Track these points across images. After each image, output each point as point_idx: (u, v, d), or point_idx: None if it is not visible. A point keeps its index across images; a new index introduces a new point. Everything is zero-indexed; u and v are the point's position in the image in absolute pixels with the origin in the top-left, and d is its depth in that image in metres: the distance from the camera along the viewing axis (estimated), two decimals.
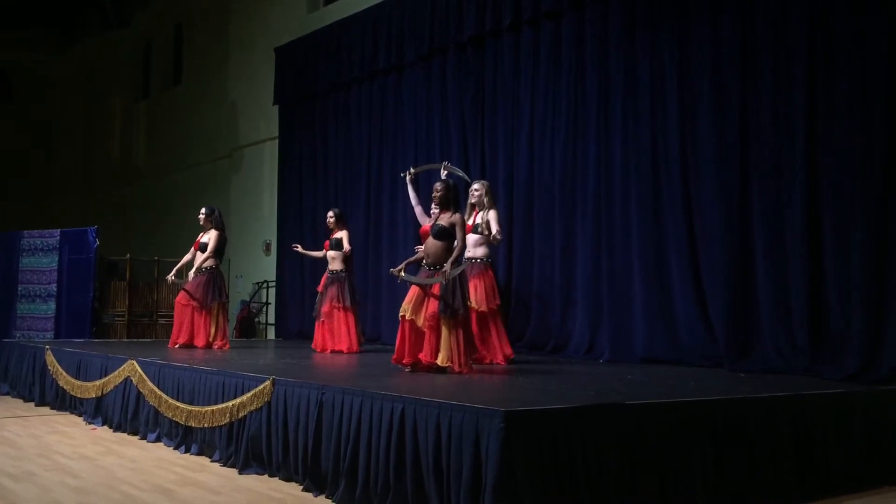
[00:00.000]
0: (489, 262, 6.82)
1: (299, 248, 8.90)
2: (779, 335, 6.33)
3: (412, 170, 7.55)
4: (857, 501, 4.45)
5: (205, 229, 8.51)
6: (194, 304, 8.28)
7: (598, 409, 3.83)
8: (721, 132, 6.82)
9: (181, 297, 8.42)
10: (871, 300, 5.73)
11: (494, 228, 6.74)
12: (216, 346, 8.26)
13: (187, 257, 8.66)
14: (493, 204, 6.91)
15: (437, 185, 5.99)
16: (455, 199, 5.94)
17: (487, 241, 6.80)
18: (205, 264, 8.35)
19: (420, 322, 5.65)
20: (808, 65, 6.26)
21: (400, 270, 5.87)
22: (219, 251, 8.45)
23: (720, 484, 4.11)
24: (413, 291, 5.77)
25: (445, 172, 7.24)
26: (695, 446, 4.04)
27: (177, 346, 8.28)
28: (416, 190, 7.48)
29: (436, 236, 5.79)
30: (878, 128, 5.81)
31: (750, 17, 6.71)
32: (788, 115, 6.38)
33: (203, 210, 8.56)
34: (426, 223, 6.94)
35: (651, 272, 7.29)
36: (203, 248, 8.39)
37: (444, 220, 5.82)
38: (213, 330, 8.31)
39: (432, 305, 5.61)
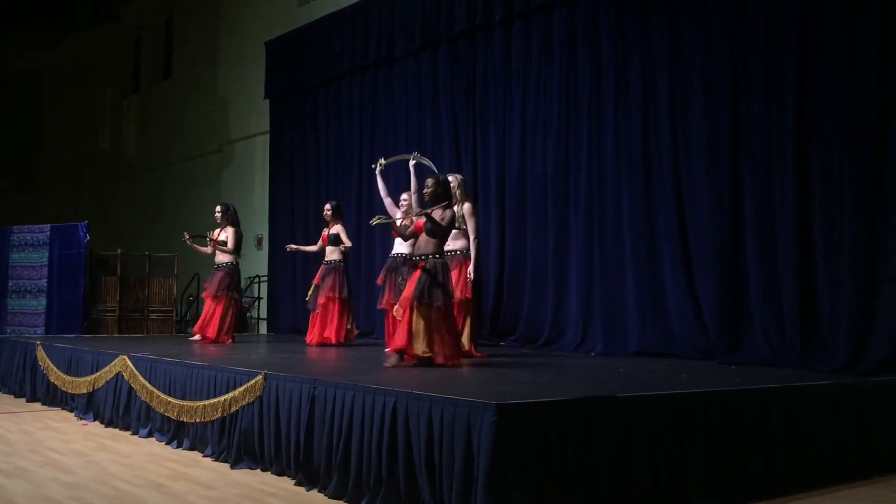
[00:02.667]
0: (468, 254, 6.80)
1: (293, 246, 8.92)
2: (769, 327, 6.36)
3: (382, 161, 7.62)
4: (848, 492, 4.48)
5: (221, 226, 8.68)
6: (210, 297, 8.51)
7: (589, 402, 3.84)
8: (712, 125, 6.84)
9: (204, 293, 8.70)
10: (861, 292, 5.77)
11: (471, 223, 6.73)
12: (221, 339, 8.42)
13: (207, 250, 8.80)
14: (466, 197, 6.87)
15: (429, 181, 5.98)
16: (446, 194, 5.94)
17: (461, 233, 6.78)
18: (224, 260, 8.55)
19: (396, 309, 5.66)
20: (799, 57, 6.28)
21: (378, 218, 5.97)
22: (237, 248, 8.65)
23: (712, 476, 4.13)
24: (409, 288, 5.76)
25: (414, 162, 7.29)
26: (686, 438, 4.05)
27: (197, 335, 8.54)
28: (386, 182, 7.55)
29: (429, 233, 5.79)
30: (868, 120, 5.84)
31: (740, 9, 6.72)
32: (779, 107, 6.40)
33: (218, 207, 8.73)
34: (398, 216, 7.17)
35: (643, 265, 7.32)
36: (222, 244, 8.58)
37: (437, 216, 5.83)
38: (221, 323, 8.47)
39: (408, 290, 5.63)
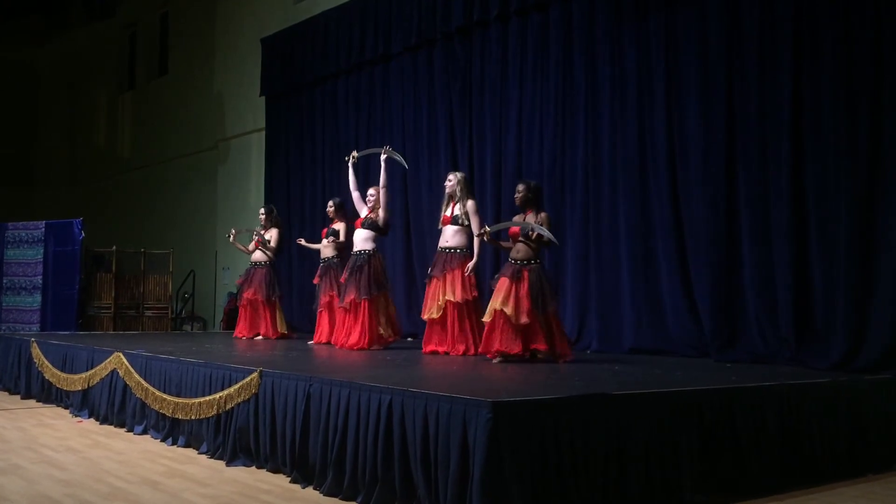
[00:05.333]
0: (468, 252, 6.81)
1: (302, 242, 9.01)
2: (764, 325, 6.37)
3: (355, 154, 7.79)
4: (842, 489, 4.49)
5: (265, 227, 9.07)
6: (260, 298, 8.87)
7: (585, 400, 3.85)
8: (708, 124, 6.84)
9: (247, 293, 8.99)
10: (856, 290, 5.78)
11: (474, 221, 6.74)
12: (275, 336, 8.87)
13: (249, 249, 9.21)
14: (468, 194, 6.89)
15: (520, 187, 6.19)
16: (536, 199, 6.14)
17: (464, 231, 6.81)
18: (261, 259, 8.97)
19: (510, 312, 5.84)
20: (794, 57, 6.28)
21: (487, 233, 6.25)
22: (280, 248, 9.10)
23: (707, 473, 4.14)
24: (498, 289, 5.97)
25: (385, 157, 7.36)
26: (682, 436, 4.06)
27: (244, 338, 8.93)
28: (357, 175, 7.67)
29: (525, 237, 5.99)
30: (864, 119, 5.84)
31: (736, 8, 6.73)
32: (774, 106, 6.40)
33: (263, 210, 9.24)
34: (364, 211, 7.61)
35: (638, 263, 7.32)
36: (264, 243, 8.95)
37: (531, 221, 6.04)
38: (279, 320, 8.94)
39: (525, 302, 5.85)
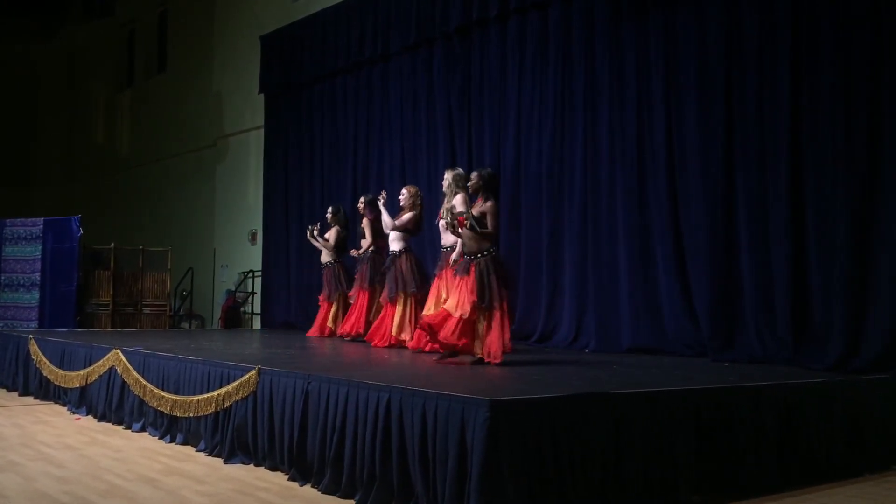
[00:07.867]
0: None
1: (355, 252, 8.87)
2: (762, 325, 6.38)
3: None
4: (838, 489, 4.50)
5: (330, 226, 9.10)
6: (323, 296, 8.97)
7: (583, 399, 3.85)
8: (706, 124, 6.84)
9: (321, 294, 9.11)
10: (853, 290, 5.78)
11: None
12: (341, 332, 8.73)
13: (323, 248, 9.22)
14: (458, 190, 6.88)
15: (472, 175, 6.14)
16: (487, 188, 6.01)
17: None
18: (327, 259, 9.02)
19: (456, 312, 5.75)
20: (793, 58, 6.29)
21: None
22: (338, 246, 9.03)
23: (703, 472, 4.15)
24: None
25: (382, 201, 7.68)
26: (679, 435, 4.07)
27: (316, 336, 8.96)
28: (388, 209, 7.77)
29: (471, 229, 5.83)
30: (861, 121, 5.85)
31: (736, 9, 6.73)
32: (773, 108, 6.41)
33: (330, 209, 9.24)
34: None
35: (636, 263, 7.33)
36: (323, 239, 9.06)
37: (476, 208, 5.90)
38: (336, 318, 8.87)
39: (469, 300, 5.68)
